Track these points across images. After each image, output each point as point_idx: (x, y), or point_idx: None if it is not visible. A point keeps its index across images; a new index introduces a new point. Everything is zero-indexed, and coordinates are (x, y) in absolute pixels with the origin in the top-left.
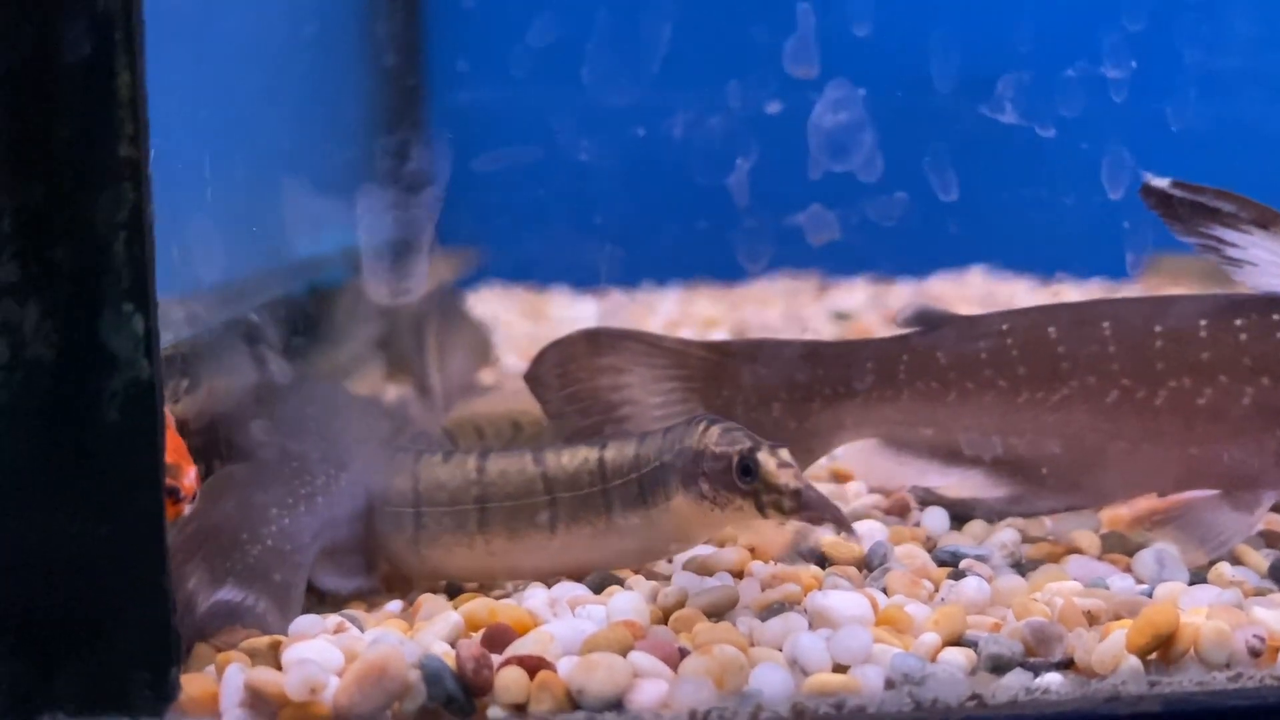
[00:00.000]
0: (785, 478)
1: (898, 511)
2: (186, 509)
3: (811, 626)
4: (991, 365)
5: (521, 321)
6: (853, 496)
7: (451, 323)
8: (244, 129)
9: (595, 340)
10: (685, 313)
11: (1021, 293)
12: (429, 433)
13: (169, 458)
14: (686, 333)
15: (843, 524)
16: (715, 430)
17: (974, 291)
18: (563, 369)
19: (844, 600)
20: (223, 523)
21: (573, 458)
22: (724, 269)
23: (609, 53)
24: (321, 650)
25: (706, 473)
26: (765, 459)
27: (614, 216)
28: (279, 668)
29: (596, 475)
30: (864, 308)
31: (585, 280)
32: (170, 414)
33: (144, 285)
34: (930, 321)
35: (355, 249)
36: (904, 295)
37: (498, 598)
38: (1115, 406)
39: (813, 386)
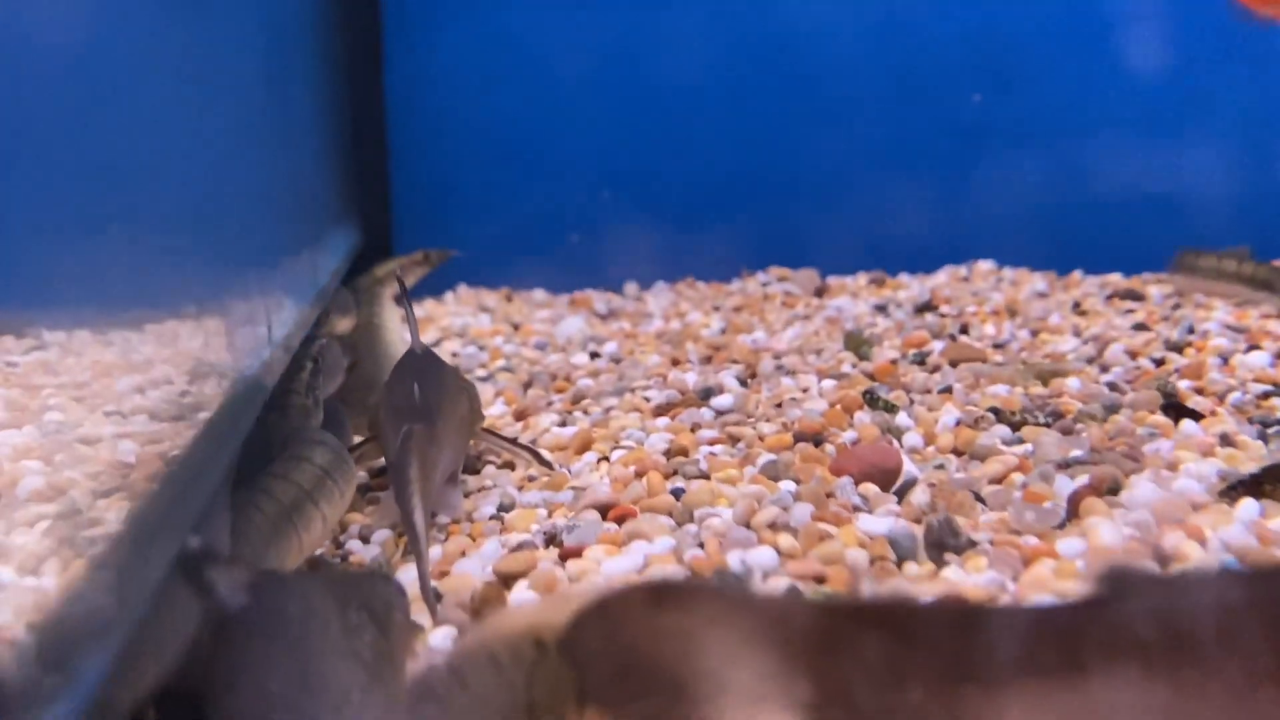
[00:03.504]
0: None
1: None
2: None
3: None
4: None
5: (500, 338)
6: None
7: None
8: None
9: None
10: (675, 312)
11: (1039, 283)
12: None
13: None
14: (686, 344)
15: None
16: None
17: (984, 284)
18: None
19: None
20: None
21: None
22: (710, 268)
23: (581, 52)
24: None
25: None
26: None
27: (593, 217)
28: None
29: None
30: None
31: (562, 283)
32: None
33: None
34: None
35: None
36: (910, 291)
37: None
38: None
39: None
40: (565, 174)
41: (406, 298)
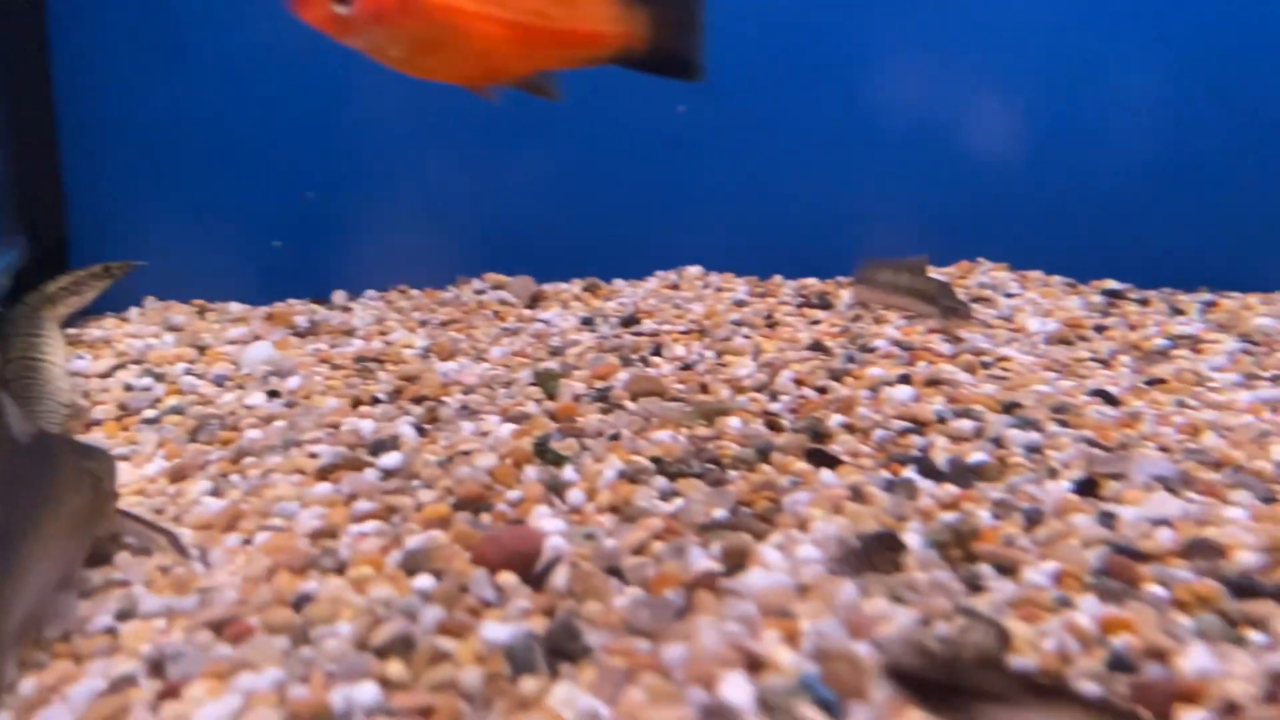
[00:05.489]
0: None
1: None
2: None
3: None
4: None
5: (183, 366)
6: None
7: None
8: None
9: None
10: (379, 329)
11: (741, 290)
12: None
13: None
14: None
15: None
16: None
17: (690, 293)
18: None
19: None
20: None
21: None
22: (424, 274)
23: (281, 41)
24: None
25: None
26: None
27: (295, 220)
28: None
29: None
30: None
31: (263, 293)
32: None
33: None
34: None
35: None
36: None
37: None
38: None
39: None
40: (264, 173)
41: None
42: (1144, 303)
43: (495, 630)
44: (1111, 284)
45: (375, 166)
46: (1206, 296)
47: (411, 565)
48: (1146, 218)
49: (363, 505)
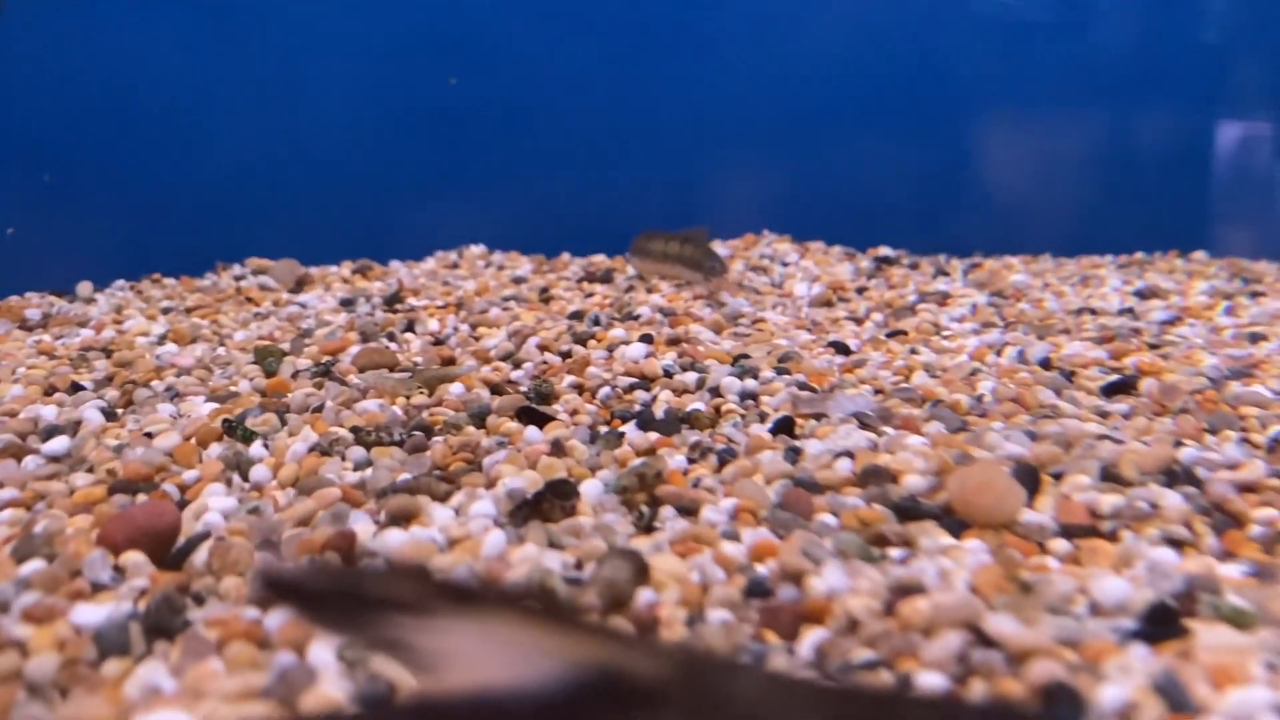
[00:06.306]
0: None
1: None
2: None
3: None
4: None
5: None
6: None
7: None
8: None
9: None
10: (115, 318)
11: (525, 267)
12: None
13: None
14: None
15: None
16: None
17: (466, 271)
18: None
19: None
20: None
21: None
22: (182, 262)
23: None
24: None
25: None
26: None
27: (33, 206)
28: None
29: None
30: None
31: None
32: None
33: None
34: None
35: None
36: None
37: None
38: None
39: None
40: None
41: None
42: (914, 267)
43: (90, 613)
44: (885, 251)
45: (123, 148)
46: (975, 260)
47: (25, 551)
48: (921, 192)
49: (5, 494)
